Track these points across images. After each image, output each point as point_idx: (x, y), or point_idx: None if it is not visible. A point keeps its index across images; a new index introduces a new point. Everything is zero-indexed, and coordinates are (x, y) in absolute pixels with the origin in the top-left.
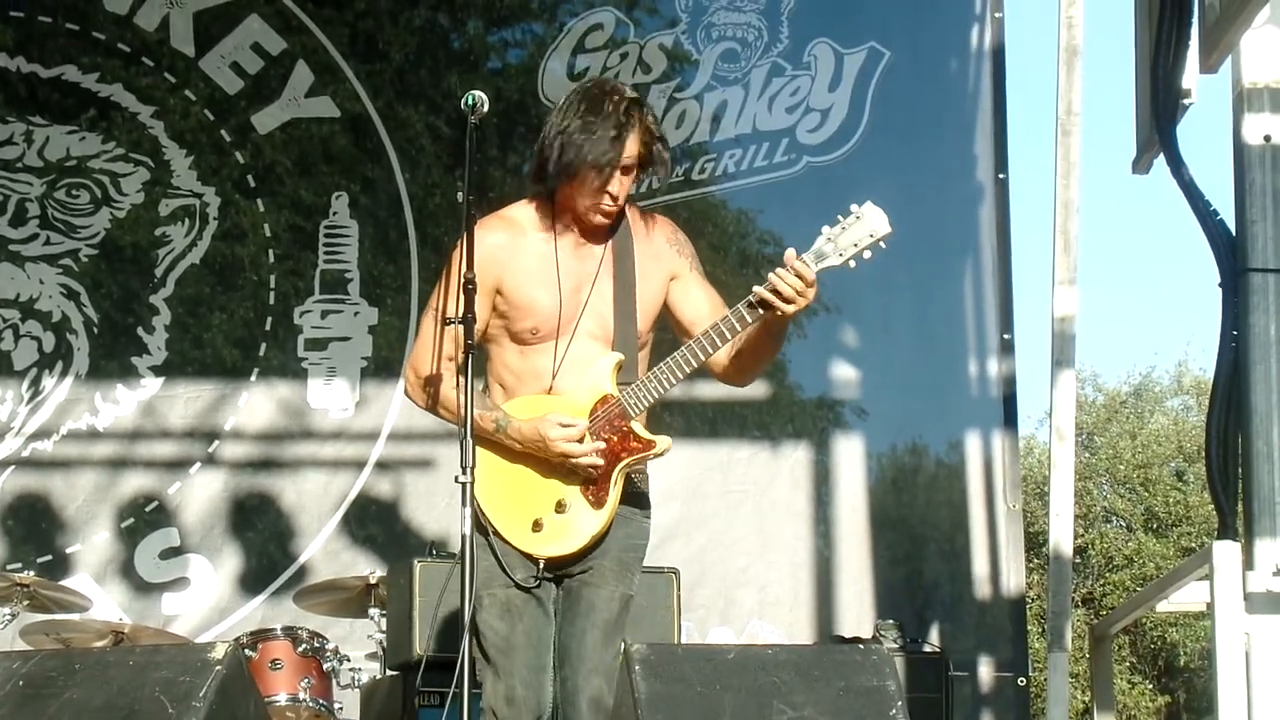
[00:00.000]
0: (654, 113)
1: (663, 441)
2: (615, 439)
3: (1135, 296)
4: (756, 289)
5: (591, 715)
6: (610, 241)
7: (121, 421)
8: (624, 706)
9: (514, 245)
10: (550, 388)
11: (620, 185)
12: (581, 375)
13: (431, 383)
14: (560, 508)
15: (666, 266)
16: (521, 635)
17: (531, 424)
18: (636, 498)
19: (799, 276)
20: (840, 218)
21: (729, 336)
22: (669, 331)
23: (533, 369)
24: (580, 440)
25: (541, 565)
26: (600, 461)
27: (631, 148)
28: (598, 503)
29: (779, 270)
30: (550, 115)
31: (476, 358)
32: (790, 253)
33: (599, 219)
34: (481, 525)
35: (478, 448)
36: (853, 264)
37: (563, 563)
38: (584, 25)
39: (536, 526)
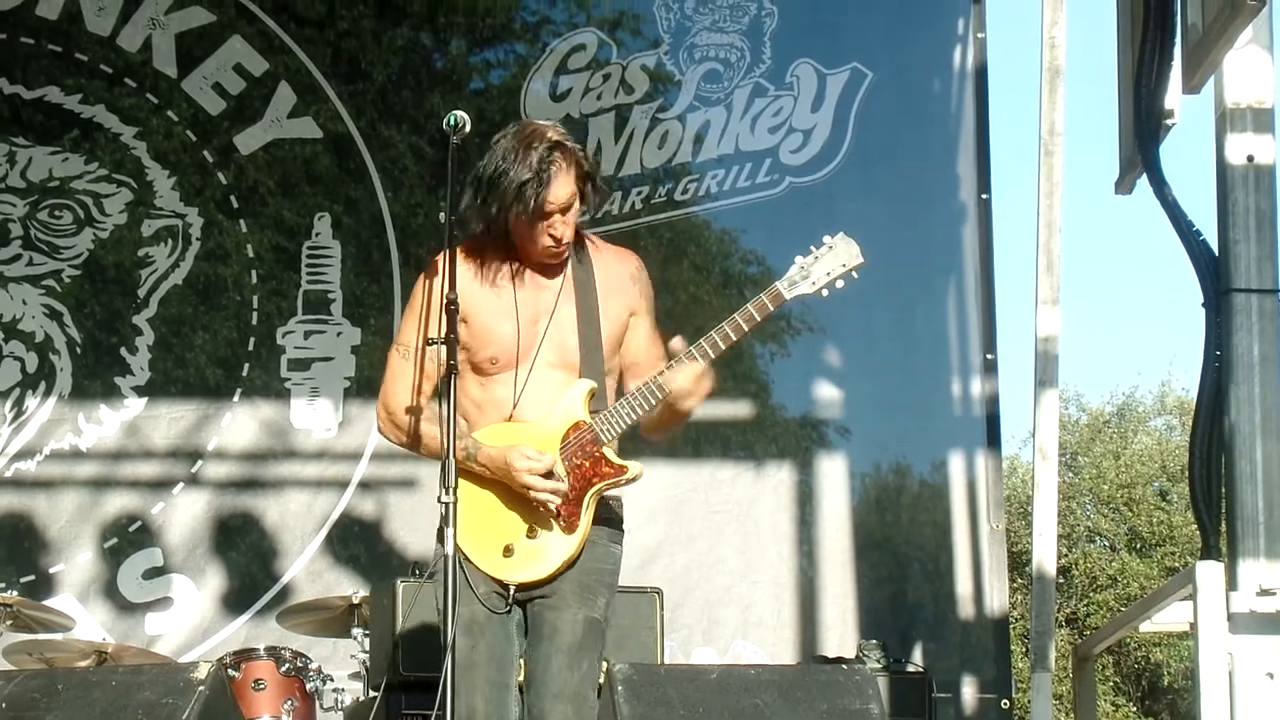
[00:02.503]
0: (583, 149)
1: (634, 467)
2: (587, 464)
3: (1118, 316)
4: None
5: None
6: (569, 271)
7: (104, 441)
8: None
9: (475, 275)
10: (510, 417)
11: (561, 227)
12: (542, 404)
13: (405, 417)
14: (532, 533)
15: (628, 301)
16: (483, 652)
17: (500, 451)
18: (609, 522)
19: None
20: (813, 248)
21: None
22: None
23: (493, 399)
24: (547, 475)
25: (513, 590)
26: (558, 501)
27: (560, 191)
28: (569, 528)
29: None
30: (480, 165)
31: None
32: (676, 342)
33: (550, 260)
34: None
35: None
36: (825, 293)
37: (532, 588)
38: (567, 46)
39: (508, 552)
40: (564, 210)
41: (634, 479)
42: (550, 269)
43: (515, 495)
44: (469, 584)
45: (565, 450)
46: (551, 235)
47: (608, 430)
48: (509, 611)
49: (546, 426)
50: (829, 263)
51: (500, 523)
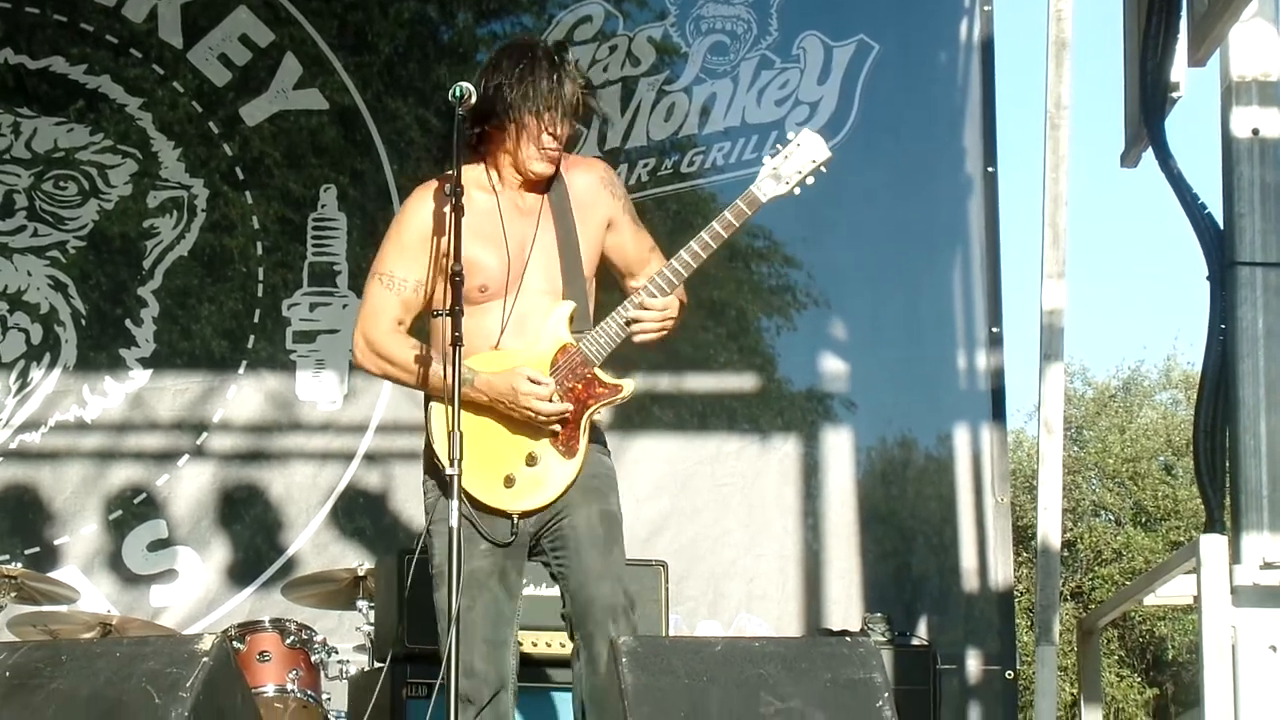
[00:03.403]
0: (577, 61)
1: (627, 385)
2: (580, 386)
3: (1124, 290)
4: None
5: (609, 621)
6: (547, 195)
7: (109, 413)
8: (611, 697)
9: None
10: (497, 345)
11: (561, 128)
12: (527, 331)
13: (387, 347)
14: (531, 460)
15: (604, 212)
16: (481, 611)
17: (503, 376)
18: (595, 438)
19: (652, 309)
20: (779, 146)
21: (676, 283)
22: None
23: (480, 328)
24: (549, 400)
25: (517, 520)
26: (558, 428)
27: (568, 88)
28: (569, 452)
29: (641, 306)
30: (476, 82)
31: (420, 327)
32: (639, 284)
33: (543, 166)
34: (451, 491)
35: (439, 409)
36: (797, 191)
37: (536, 513)
38: (573, 18)
39: (509, 482)
40: (572, 107)
41: (628, 397)
42: (532, 190)
43: (512, 423)
44: (479, 531)
45: (556, 373)
46: (552, 134)
47: (596, 351)
48: (513, 543)
49: (534, 351)
50: (798, 160)
51: (498, 454)
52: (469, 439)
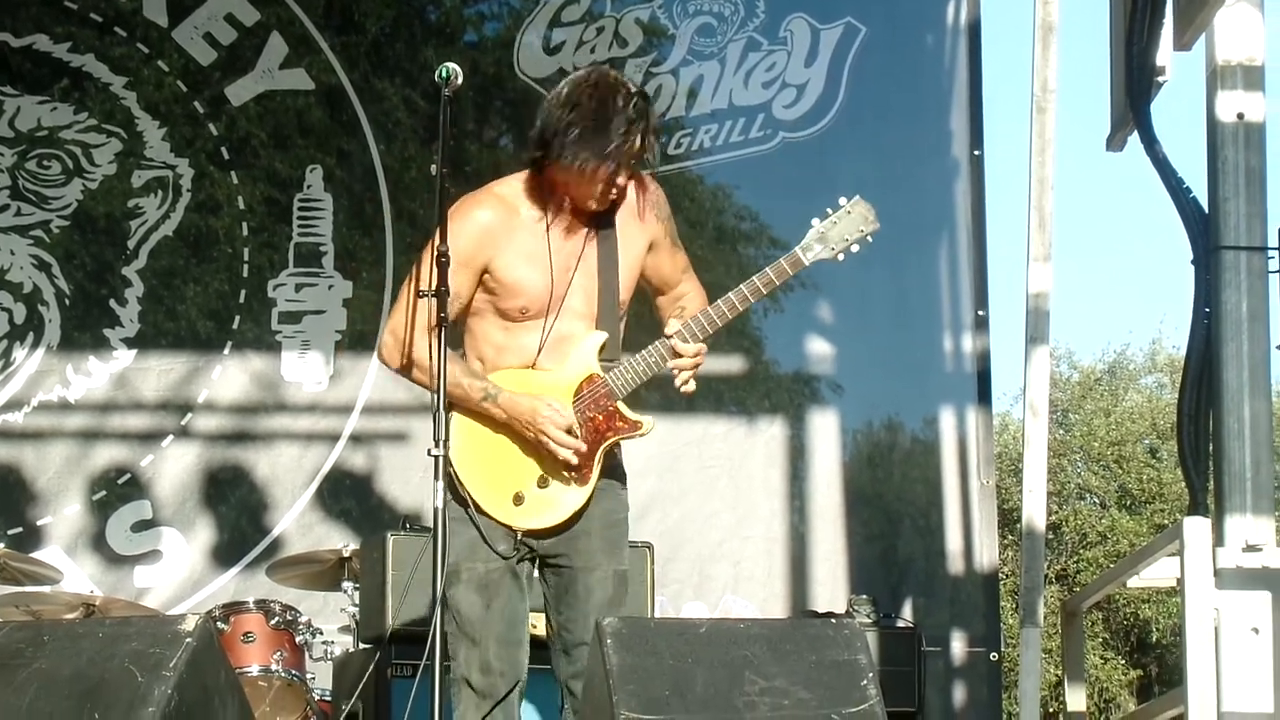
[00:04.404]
0: (652, 107)
1: (648, 423)
2: (601, 418)
3: (1110, 274)
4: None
5: None
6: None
7: (93, 393)
8: (596, 678)
9: (507, 224)
10: (534, 364)
11: (625, 177)
12: (564, 353)
13: (411, 348)
14: (543, 482)
15: (648, 236)
16: (497, 610)
17: (526, 399)
18: (614, 470)
19: (685, 355)
20: (830, 210)
21: (710, 331)
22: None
23: (517, 345)
24: (567, 432)
25: (519, 536)
26: (575, 460)
27: (644, 142)
28: (581, 479)
29: (674, 352)
30: (551, 103)
31: (453, 331)
32: (673, 327)
33: (597, 207)
34: (461, 497)
35: (459, 418)
36: (841, 258)
37: (541, 535)
38: None
39: (518, 500)
40: (644, 158)
41: (646, 434)
42: (582, 215)
43: (527, 443)
44: (486, 541)
45: (579, 403)
46: (617, 185)
47: (622, 385)
48: (518, 560)
49: (561, 377)
50: (846, 227)
51: (510, 470)
52: (482, 453)
